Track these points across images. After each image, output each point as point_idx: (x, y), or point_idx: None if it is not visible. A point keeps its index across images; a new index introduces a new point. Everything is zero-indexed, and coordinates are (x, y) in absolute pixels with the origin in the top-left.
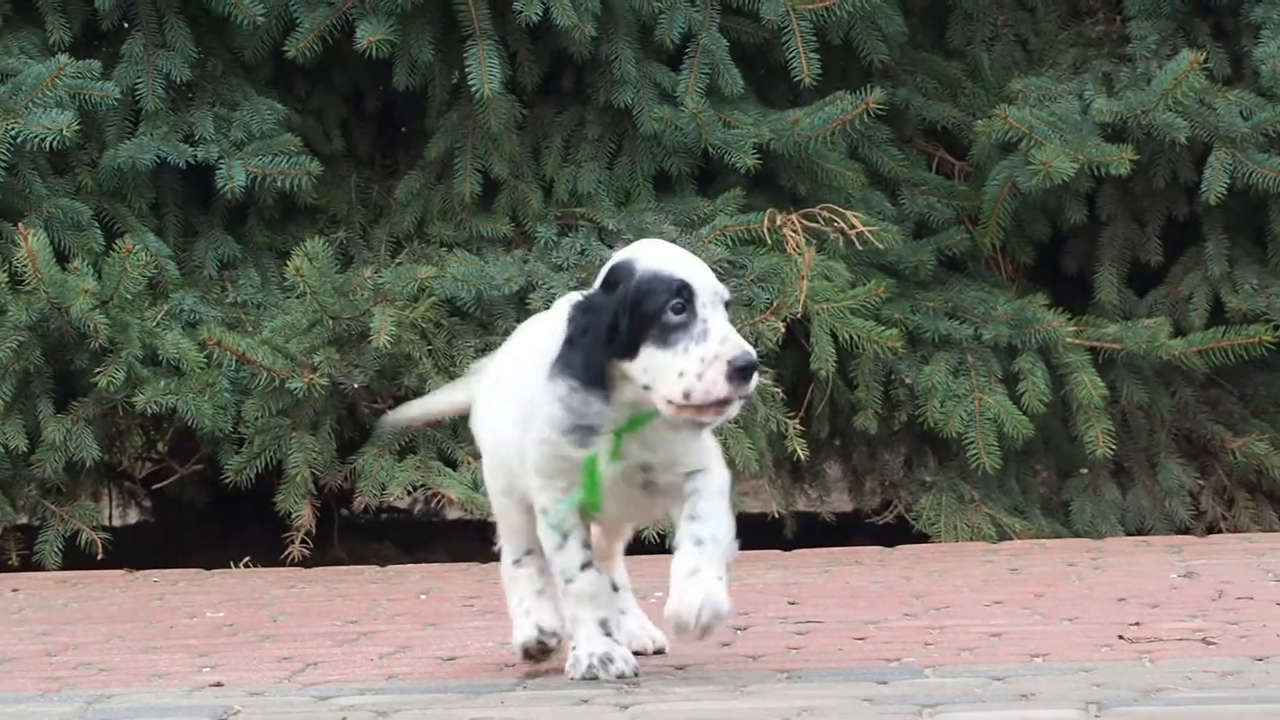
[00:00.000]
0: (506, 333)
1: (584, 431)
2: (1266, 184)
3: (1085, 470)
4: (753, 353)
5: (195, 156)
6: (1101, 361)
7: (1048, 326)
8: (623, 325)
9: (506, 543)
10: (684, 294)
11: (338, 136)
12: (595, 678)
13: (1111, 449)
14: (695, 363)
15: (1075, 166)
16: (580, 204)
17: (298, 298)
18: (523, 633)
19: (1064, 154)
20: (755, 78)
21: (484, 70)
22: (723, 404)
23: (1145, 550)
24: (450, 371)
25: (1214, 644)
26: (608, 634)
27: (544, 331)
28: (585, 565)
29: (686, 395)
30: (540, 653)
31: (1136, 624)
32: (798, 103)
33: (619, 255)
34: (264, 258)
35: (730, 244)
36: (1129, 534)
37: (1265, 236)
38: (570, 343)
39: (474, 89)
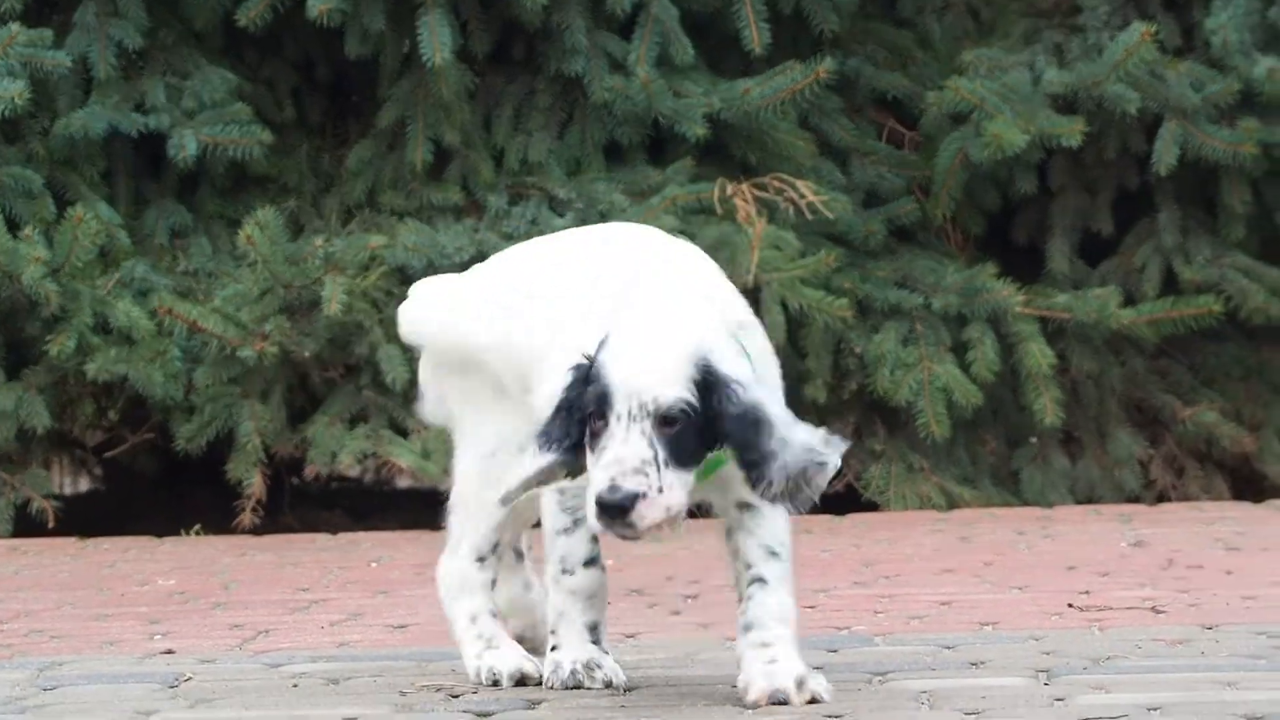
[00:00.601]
0: None
1: None
2: (1217, 155)
3: (1034, 439)
4: (624, 488)
5: (147, 125)
6: (1051, 331)
7: (997, 296)
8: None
9: (469, 531)
10: (603, 403)
11: (289, 105)
12: (579, 685)
13: (1061, 418)
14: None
15: (1026, 138)
16: (531, 173)
17: (249, 266)
18: (509, 662)
19: (1015, 125)
20: (706, 47)
21: (435, 39)
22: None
23: (1095, 519)
24: (401, 343)
25: (1163, 612)
26: (595, 641)
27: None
28: (590, 560)
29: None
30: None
31: (1086, 592)
32: (748, 72)
33: (612, 327)
34: (215, 226)
35: (681, 214)
36: (1079, 503)
37: (1216, 207)
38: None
39: (425, 58)
